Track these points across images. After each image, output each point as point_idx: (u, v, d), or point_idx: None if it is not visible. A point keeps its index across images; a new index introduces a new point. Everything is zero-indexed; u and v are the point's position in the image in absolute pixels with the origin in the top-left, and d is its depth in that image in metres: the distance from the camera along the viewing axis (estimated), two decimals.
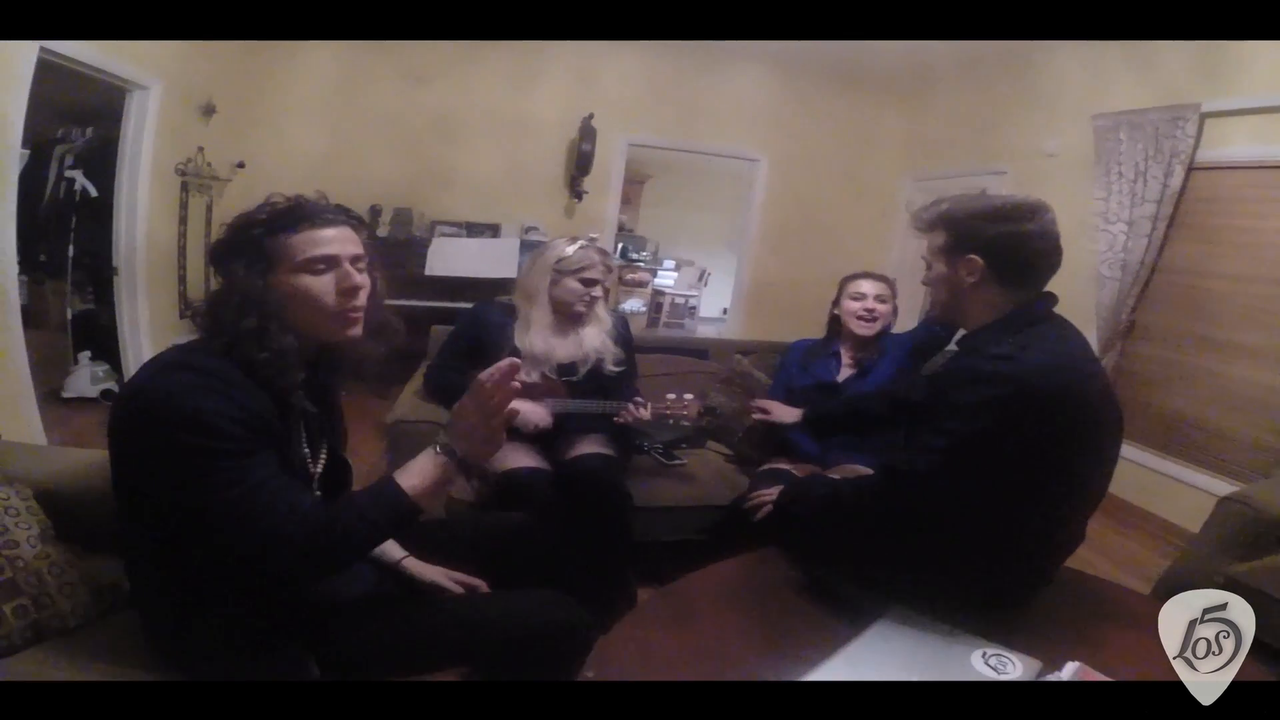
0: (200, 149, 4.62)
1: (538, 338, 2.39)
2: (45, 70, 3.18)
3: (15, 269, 3.24)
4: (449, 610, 1.49)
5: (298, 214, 1.28)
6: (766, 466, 2.51)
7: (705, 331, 9.67)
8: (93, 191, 4.53)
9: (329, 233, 1.29)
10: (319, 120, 5.51)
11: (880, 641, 1.33)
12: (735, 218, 7.15)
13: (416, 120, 5.68)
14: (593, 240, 2.45)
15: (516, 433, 2.34)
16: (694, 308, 10.31)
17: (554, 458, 2.39)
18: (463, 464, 1.25)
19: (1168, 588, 2.05)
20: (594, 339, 2.46)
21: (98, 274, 4.63)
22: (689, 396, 2.39)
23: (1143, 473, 3.89)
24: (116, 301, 4.44)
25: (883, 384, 2.50)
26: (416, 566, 1.60)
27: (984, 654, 1.27)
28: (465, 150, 5.81)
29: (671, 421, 2.39)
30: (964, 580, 1.37)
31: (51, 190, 4.70)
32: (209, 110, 4.68)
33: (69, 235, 4.59)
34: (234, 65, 4.87)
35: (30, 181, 4.49)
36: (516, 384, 1.19)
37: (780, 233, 6.53)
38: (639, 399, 2.39)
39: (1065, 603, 1.49)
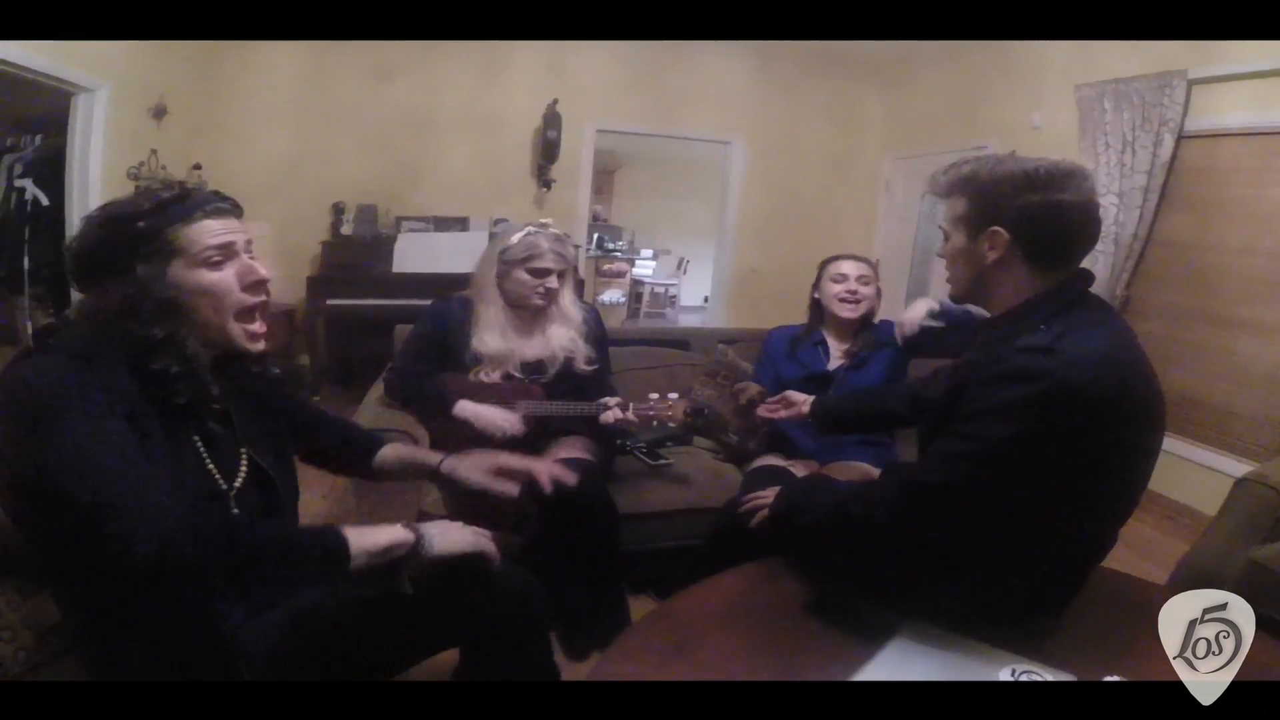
0: (153, 151, 4.45)
1: (492, 336, 2.25)
2: None
3: None
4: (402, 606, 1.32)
5: (192, 202, 1.14)
6: (759, 464, 2.38)
7: (687, 320, 9.61)
8: (44, 200, 4.42)
9: (225, 221, 1.16)
10: (277, 118, 5.30)
11: (898, 659, 1.23)
12: (712, 204, 7.03)
13: (380, 115, 5.49)
14: (543, 226, 2.28)
15: (485, 441, 2.19)
16: (674, 297, 10.24)
17: None
18: (419, 541, 1.19)
19: (1189, 574, 1.95)
20: (561, 337, 2.31)
21: (56, 285, 4.48)
22: (673, 396, 2.22)
23: None
24: None
25: (885, 378, 2.37)
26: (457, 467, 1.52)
27: (1013, 670, 1.17)
28: (431, 144, 5.63)
29: (656, 424, 2.23)
30: (988, 596, 1.24)
31: (2, 201, 4.58)
32: (161, 112, 4.51)
33: (23, 247, 4.46)
34: (185, 65, 4.69)
35: None
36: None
37: (761, 217, 6.40)
38: (617, 399, 2.22)
39: (1096, 606, 1.35)
